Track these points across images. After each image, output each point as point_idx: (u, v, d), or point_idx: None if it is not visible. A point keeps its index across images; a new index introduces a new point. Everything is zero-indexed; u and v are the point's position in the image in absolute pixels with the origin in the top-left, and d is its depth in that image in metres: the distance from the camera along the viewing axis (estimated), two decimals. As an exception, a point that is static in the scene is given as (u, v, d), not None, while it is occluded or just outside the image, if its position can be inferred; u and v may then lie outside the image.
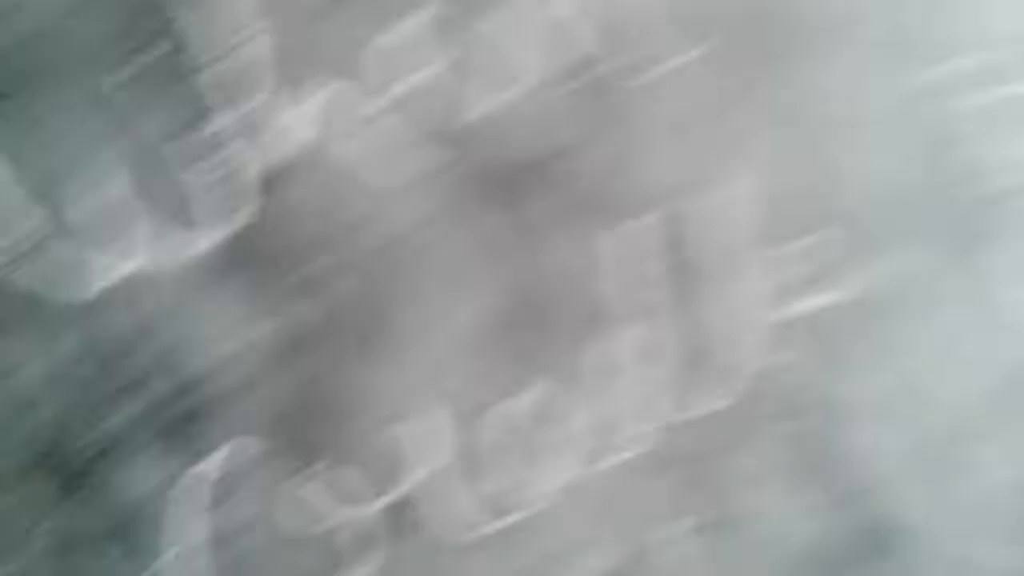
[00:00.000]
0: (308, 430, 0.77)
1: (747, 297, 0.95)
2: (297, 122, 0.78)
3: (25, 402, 0.65)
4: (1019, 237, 1.10)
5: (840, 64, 0.96)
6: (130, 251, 0.71)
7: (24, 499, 0.65)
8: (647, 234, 0.89)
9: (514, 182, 0.84)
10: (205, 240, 0.71)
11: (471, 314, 0.84)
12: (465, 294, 0.84)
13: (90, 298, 0.67)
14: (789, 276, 0.97)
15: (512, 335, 0.87)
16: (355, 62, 0.83)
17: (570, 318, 0.89)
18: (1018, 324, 1.13)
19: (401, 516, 0.85)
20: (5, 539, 0.65)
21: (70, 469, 0.68)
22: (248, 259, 0.72)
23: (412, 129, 0.82)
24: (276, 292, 0.73)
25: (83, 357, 0.67)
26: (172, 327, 0.70)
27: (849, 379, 1.03)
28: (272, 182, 0.77)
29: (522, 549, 0.91)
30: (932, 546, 1.12)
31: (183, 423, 0.72)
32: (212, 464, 0.73)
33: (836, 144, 0.98)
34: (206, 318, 0.71)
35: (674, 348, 0.93)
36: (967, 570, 1.18)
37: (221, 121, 0.76)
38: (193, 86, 0.75)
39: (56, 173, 0.73)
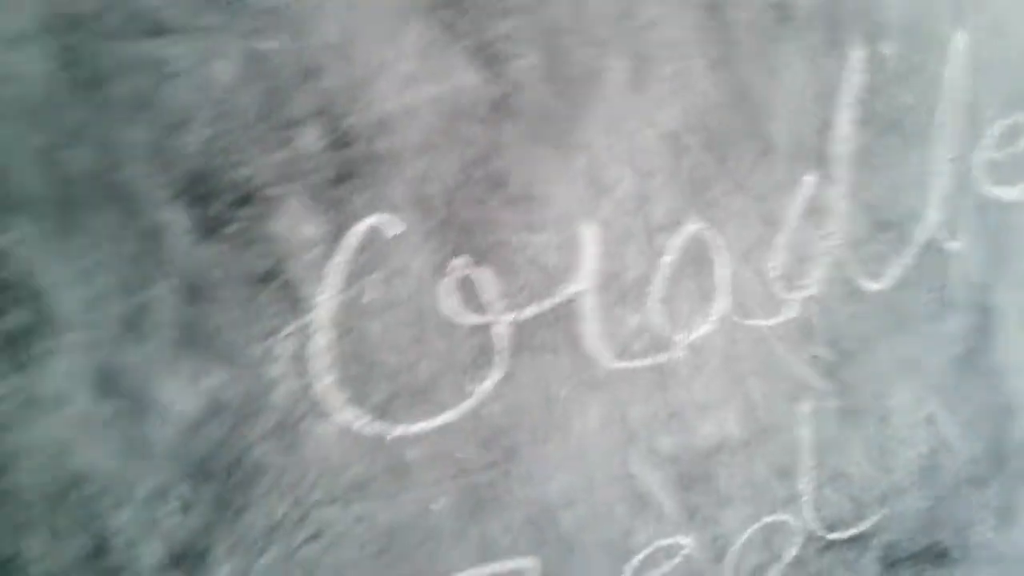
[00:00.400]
0: (455, 219, 0.67)
1: (949, 167, 0.86)
2: None
3: (175, 120, 0.55)
4: None
5: None
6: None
7: (159, 228, 0.56)
8: (874, 68, 0.79)
9: None
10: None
11: (666, 122, 0.74)
12: (667, 96, 0.73)
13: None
14: (994, 155, 0.88)
15: (702, 156, 0.77)
16: None
17: (768, 151, 0.79)
18: None
19: (542, 331, 0.76)
20: (142, 270, 0.57)
21: (211, 208, 0.58)
22: (435, 3, 0.62)
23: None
24: (469, 45, 0.63)
25: (244, 84, 0.57)
26: (341, 69, 0.60)
27: (1012, 286, 0.95)
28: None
29: (659, 391, 0.83)
30: None
31: (333, 183, 0.62)
32: (354, 234, 0.64)
33: None
34: (379, 66, 0.60)
35: (858, 212, 0.84)
36: None
37: None
38: None
39: None
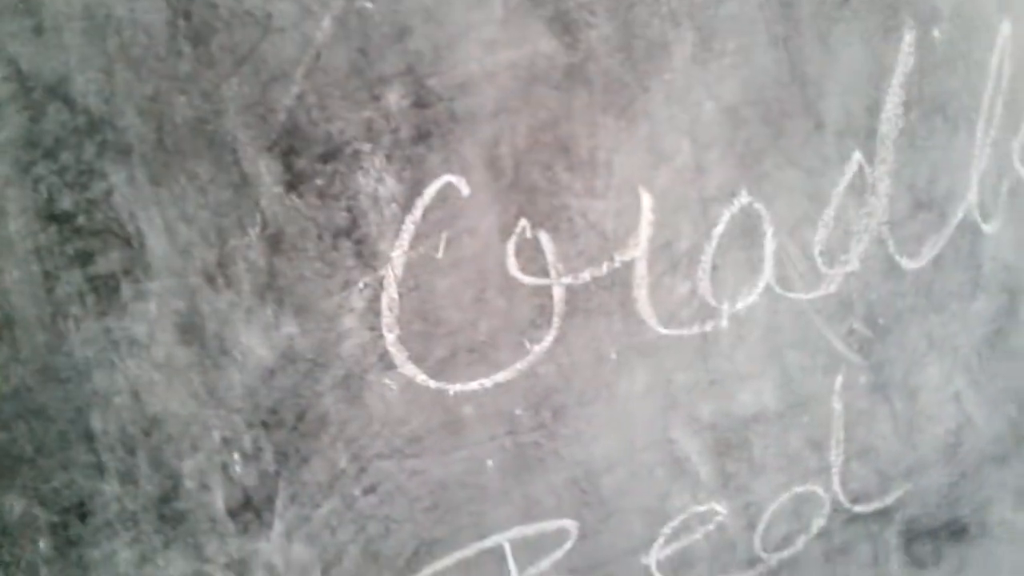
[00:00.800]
0: (522, 182, 0.69)
1: (990, 152, 0.89)
2: None
3: (274, 74, 0.57)
4: None
5: None
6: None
7: (250, 179, 0.58)
8: (924, 52, 0.82)
9: None
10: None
11: (726, 96, 0.77)
12: (728, 71, 0.76)
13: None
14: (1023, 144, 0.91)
15: (758, 132, 0.79)
16: None
17: (820, 128, 0.82)
18: None
19: (599, 294, 0.79)
20: (231, 219, 0.59)
21: (299, 161, 0.61)
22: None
23: None
24: (545, 13, 0.65)
25: (339, 41, 0.59)
26: (429, 31, 0.62)
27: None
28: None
29: (703, 359, 0.86)
30: None
31: (412, 142, 0.64)
32: (428, 193, 0.66)
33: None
34: (464, 29, 0.63)
35: (904, 187, 0.87)
36: None
37: None
38: None
39: None
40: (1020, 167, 0.89)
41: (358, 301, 0.70)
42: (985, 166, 0.88)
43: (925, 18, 0.80)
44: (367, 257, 0.69)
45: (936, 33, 0.79)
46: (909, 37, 0.79)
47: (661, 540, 0.90)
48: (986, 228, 0.91)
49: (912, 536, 1.04)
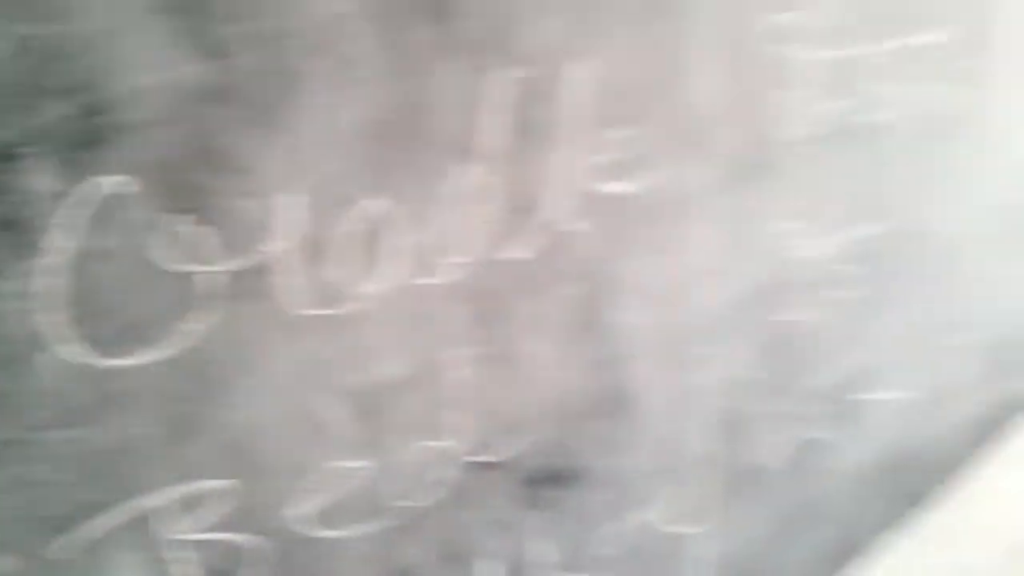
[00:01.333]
0: (182, 183, 0.80)
1: (570, 166, 1.12)
2: None
3: None
4: (789, 179, 1.38)
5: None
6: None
7: None
8: (513, 87, 1.02)
9: (440, 7, 0.93)
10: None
11: (355, 116, 0.92)
12: (358, 95, 0.91)
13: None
14: (604, 158, 1.15)
15: (383, 145, 0.96)
16: None
17: (433, 144, 1.00)
18: (771, 250, 1.42)
19: (246, 281, 0.91)
20: None
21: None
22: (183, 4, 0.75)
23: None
24: (200, 42, 0.76)
25: (13, 59, 0.66)
26: (97, 52, 0.71)
27: (623, 260, 1.24)
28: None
29: (341, 336, 1.01)
30: (651, 420, 1.38)
31: (84, 145, 0.72)
32: (97, 190, 0.75)
33: (671, 58, 1.18)
34: (131, 51, 0.72)
35: (503, 194, 1.07)
36: (675, 447, 1.45)
37: None
38: None
39: None
40: (596, 180, 1.13)
41: (17, 286, 0.77)
42: (570, 178, 1.11)
43: (512, 60, 1.01)
44: (29, 248, 0.77)
45: (524, 71, 1.00)
46: (501, 74, 0.99)
47: (307, 495, 1.04)
48: (576, 228, 1.14)
49: (527, 482, 1.25)
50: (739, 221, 1.34)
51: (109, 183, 0.79)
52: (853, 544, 1.90)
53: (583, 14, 1.05)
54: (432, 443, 1.11)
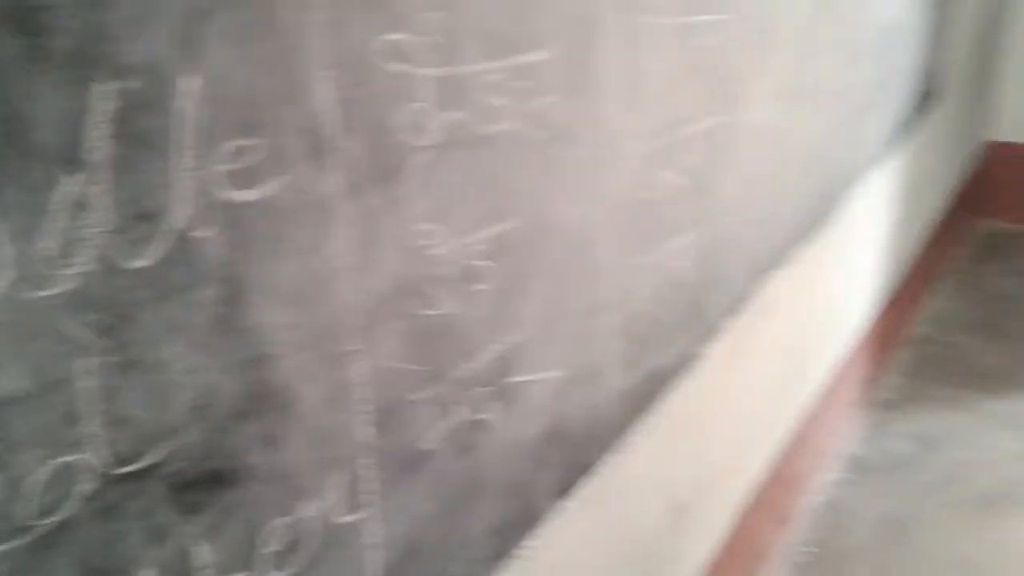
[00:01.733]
0: None
1: (192, 176, 1.16)
2: None
3: None
4: (419, 183, 1.49)
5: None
6: None
7: None
8: (119, 98, 1.05)
9: (28, 23, 0.94)
10: None
11: None
12: None
13: None
14: (227, 167, 1.20)
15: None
16: None
17: (38, 156, 1.00)
18: (409, 249, 1.53)
19: None
20: None
21: None
22: None
23: None
24: None
25: None
26: None
27: (258, 264, 1.30)
28: None
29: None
30: (307, 414, 1.44)
31: None
32: None
33: (287, 71, 1.25)
34: None
35: (119, 203, 1.09)
36: (334, 439, 1.53)
37: None
38: None
39: None
40: (221, 188, 1.18)
41: None
42: (192, 186, 1.15)
43: (117, 72, 1.04)
44: None
45: (129, 83, 1.03)
46: (104, 87, 1.02)
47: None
48: (202, 234, 1.18)
49: (179, 487, 1.27)
50: (375, 224, 1.44)
51: None
52: (529, 514, 2.09)
53: (188, 28, 1.09)
54: (68, 458, 1.11)
